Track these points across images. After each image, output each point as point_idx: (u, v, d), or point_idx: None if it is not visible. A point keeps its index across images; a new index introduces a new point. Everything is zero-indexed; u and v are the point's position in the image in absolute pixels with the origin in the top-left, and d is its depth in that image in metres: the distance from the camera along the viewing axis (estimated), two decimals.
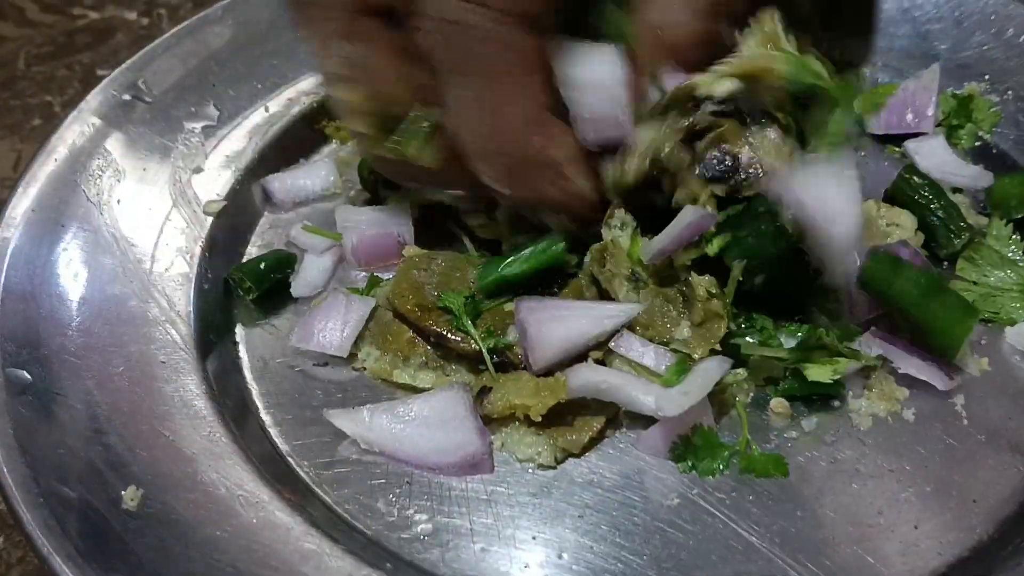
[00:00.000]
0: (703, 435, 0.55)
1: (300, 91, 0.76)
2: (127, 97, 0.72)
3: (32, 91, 0.84)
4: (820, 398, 0.58)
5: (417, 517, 0.54)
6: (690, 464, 0.55)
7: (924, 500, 0.54)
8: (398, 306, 0.60)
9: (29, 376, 0.54)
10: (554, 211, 0.59)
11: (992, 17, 0.78)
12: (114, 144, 0.69)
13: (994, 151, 0.72)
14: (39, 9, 0.93)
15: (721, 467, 0.55)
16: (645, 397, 0.55)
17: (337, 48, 0.57)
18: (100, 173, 0.68)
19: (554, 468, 0.56)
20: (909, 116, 0.74)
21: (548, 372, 0.57)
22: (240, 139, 0.72)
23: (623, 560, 0.52)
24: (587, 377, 0.56)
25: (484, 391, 0.57)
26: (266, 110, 0.74)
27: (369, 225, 0.66)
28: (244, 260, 0.67)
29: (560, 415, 0.56)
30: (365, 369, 0.60)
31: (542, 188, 0.57)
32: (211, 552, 0.49)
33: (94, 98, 0.71)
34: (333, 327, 0.60)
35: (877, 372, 0.58)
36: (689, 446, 0.55)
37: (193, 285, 0.63)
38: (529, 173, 0.56)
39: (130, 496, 0.50)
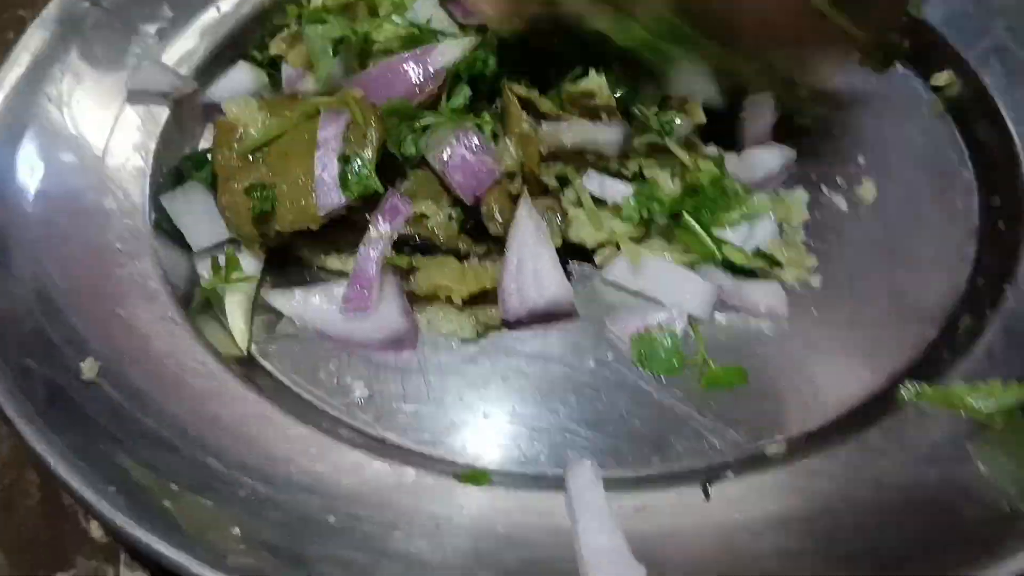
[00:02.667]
0: (672, 340, 0.59)
1: None
2: (85, 4, 0.75)
3: (4, 7, 0.87)
4: None
5: (354, 385, 0.59)
6: (644, 354, 0.59)
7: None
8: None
9: None
10: None
11: None
12: (73, 49, 0.72)
13: None
14: None
15: (676, 367, 0.59)
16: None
17: None
18: (61, 76, 0.71)
19: (476, 342, 0.60)
20: None
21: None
22: (193, 39, 0.75)
23: (543, 416, 0.57)
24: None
25: (411, 271, 0.61)
26: (217, 10, 0.76)
27: None
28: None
29: (483, 294, 0.61)
30: (301, 257, 0.64)
31: None
32: (163, 417, 0.54)
33: (54, 7, 0.74)
34: None
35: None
36: (653, 345, 0.60)
37: (148, 178, 0.66)
38: None
39: (88, 367, 0.55)
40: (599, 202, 0.62)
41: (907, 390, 0.54)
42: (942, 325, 0.59)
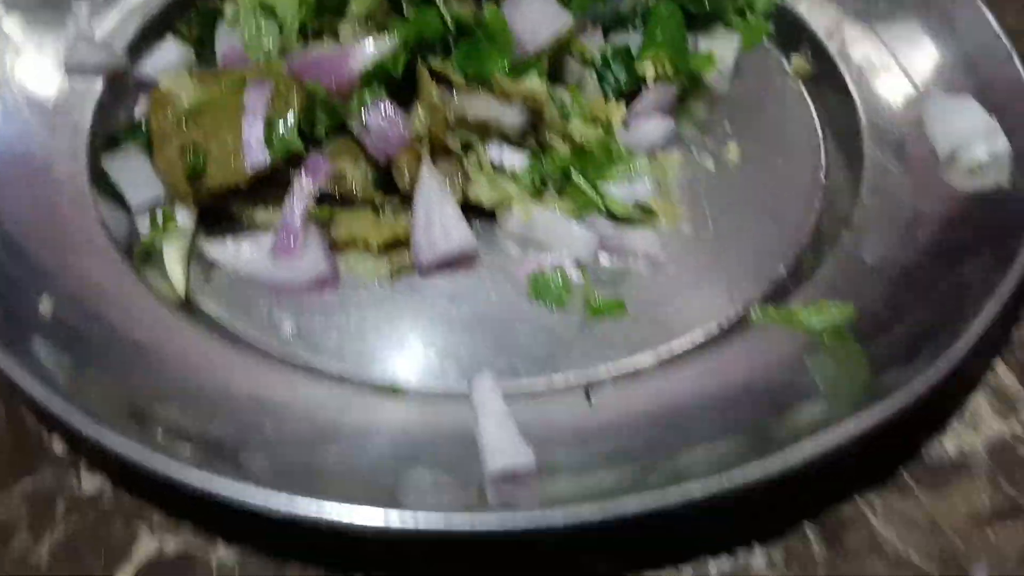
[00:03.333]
0: (562, 278, 0.68)
1: None
2: None
3: None
4: None
5: (284, 323, 0.66)
6: (538, 290, 0.68)
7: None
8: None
9: None
10: None
11: None
12: (11, 25, 0.78)
13: None
14: None
15: (564, 300, 0.67)
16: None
17: None
18: (3, 50, 0.76)
19: (391, 283, 0.68)
20: None
21: None
22: (122, 15, 0.81)
23: (451, 343, 0.65)
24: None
25: (331, 221, 0.69)
26: None
27: None
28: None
29: (396, 241, 0.69)
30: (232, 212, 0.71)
31: None
32: (112, 350, 0.61)
33: None
34: None
35: None
36: (546, 281, 0.68)
37: (87, 144, 0.73)
38: None
39: (44, 304, 0.62)
40: (498, 167, 0.71)
41: (755, 313, 0.64)
42: (790, 262, 0.69)
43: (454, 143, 0.70)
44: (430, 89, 0.70)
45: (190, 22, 0.83)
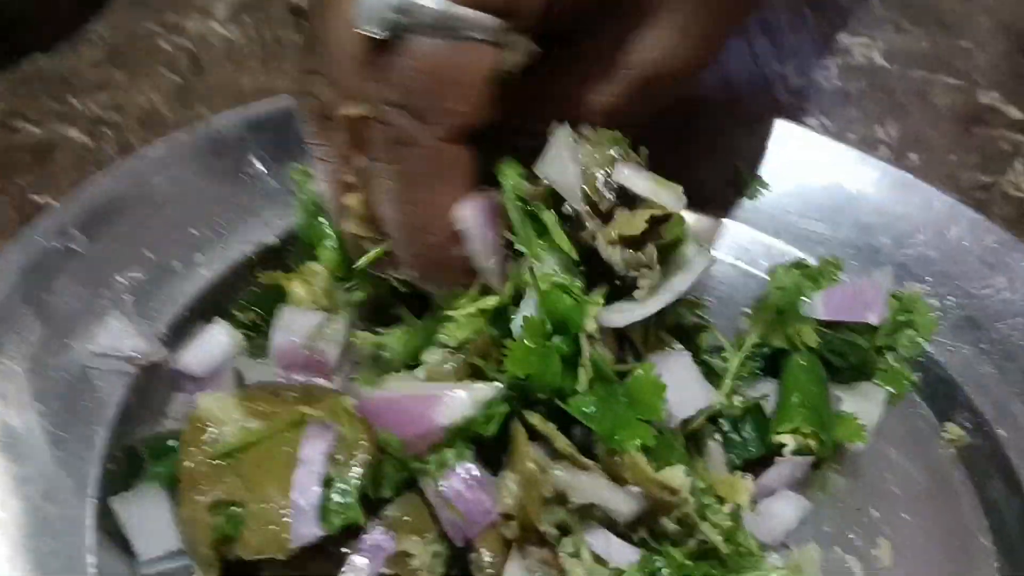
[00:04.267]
0: None
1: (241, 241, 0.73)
2: (55, 244, 0.70)
3: None
4: None
5: None
6: None
7: None
8: None
9: None
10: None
11: (937, 216, 0.78)
12: (32, 299, 0.67)
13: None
14: None
15: None
16: None
17: (351, 159, 0.58)
18: (14, 330, 0.65)
19: None
20: (858, 308, 0.73)
21: None
22: (166, 296, 0.70)
23: None
24: None
25: None
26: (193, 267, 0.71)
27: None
28: None
29: None
30: None
31: (452, 280, 0.59)
32: None
33: (19, 249, 0.68)
34: None
35: None
36: None
37: (100, 460, 0.60)
38: (443, 270, 0.58)
39: None
40: (598, 559, 0.56)
41: None
42: None
43: (549, 526, 0.56)
44: (527, 453, 0.56)
45: (244, 304, 0.71)
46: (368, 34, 0.52)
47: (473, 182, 0.57)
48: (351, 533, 0.55)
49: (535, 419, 0.57)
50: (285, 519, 0.54)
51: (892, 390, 0.70)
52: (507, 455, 0.58)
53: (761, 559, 0.58)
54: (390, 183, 0.56)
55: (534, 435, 0.57)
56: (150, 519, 0.58)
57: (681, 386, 0.57)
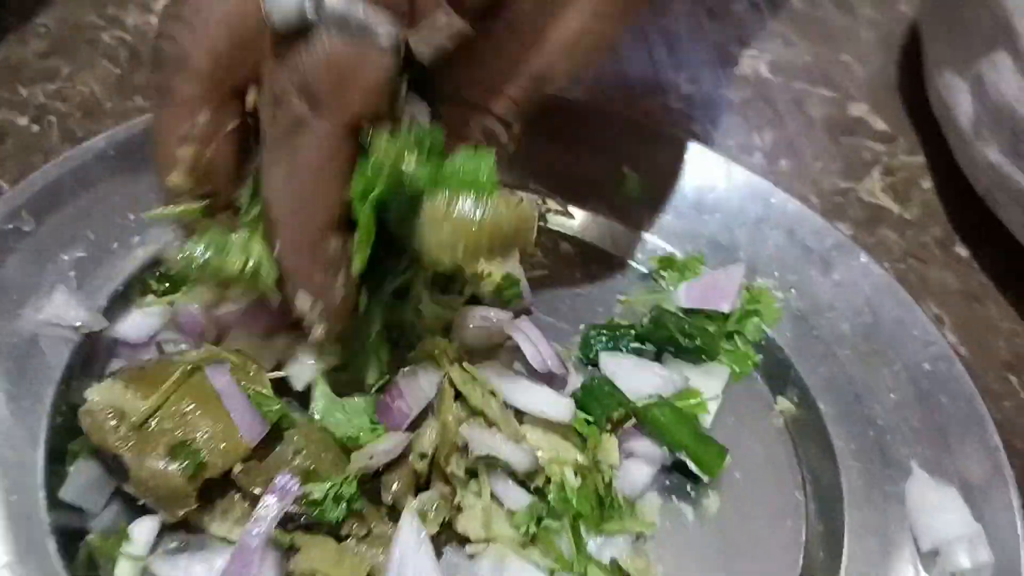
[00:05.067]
0: None
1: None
2: (8, 227, 0.78)
3: None
4: None
5: None
6: None
7: None
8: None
9: None
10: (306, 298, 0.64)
11: (788, 219, 0.90)
12: None
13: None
14: None
15: None
16: None
17: (194, 119, 0.62)
18: None
19: None
20: (714, 297, 0.86)
21: None
22: (106, 275, 0.78)
23: None
24: None
25: (291, 549, 0.65)
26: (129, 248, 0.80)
27: None
28: None
29: None
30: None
31: (317, 279, 0.62)
32: None
33: None
34: None
35: None
36: None
37: (45, 425, 0.69)
38: (314, 261, 0.61)
39: None
40: (496, 500, 0.68)
41: None
42: None
43: (457, 468, 0.67)
44: (449, 408, 0.67)
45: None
46: (278, 25, 0.54)
47: (350, 176, 0.60)
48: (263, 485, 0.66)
49: (461, 381, 0.69)
50: (232, 433, 0.65)
51: (737, 368, 0.82)
52: (434, 406, 0.69)
53: (629, 511, 0.70)
54: (280, 162, 0.59)
55: (458, 395, 0.69)
56: (94, 487, 0.68)
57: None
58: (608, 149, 0.94)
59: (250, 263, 0.64)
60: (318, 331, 0.65)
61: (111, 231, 0.81)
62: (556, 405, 0.71)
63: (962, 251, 1.01)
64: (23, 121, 0.98)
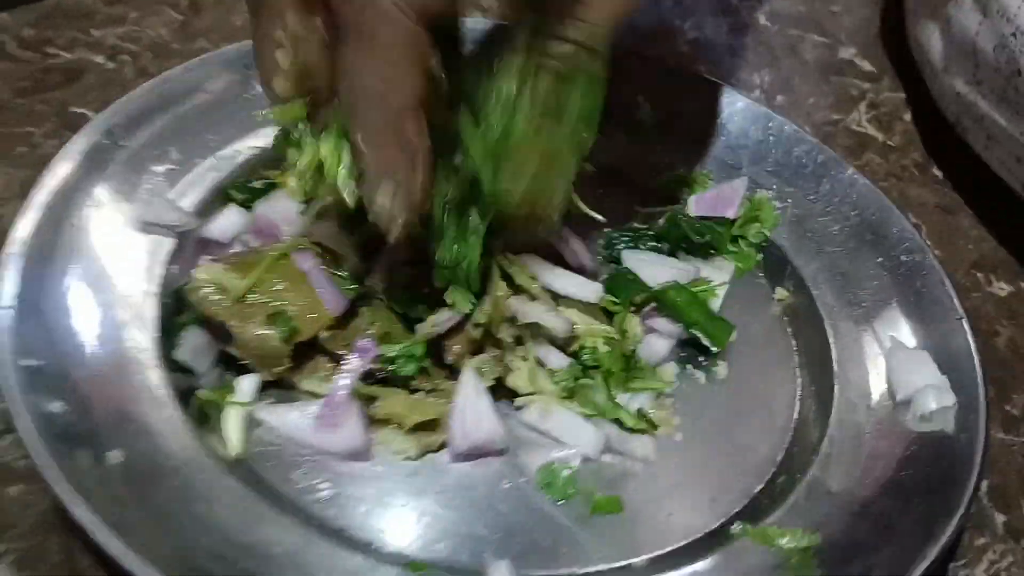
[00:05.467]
0: (569, 473, 0.77)
1: (246, 145, 0.94)
2: (105, 141, 0.90)
3: (15, 121, 1.00)
4: None
5: (320, 486, 0.74)
6: (546, 482, 0.77)
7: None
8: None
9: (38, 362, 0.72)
10: (388, 187, 0.66)
11: (785, 140, 1.02)
12: (93, 181, 0.87)
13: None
14: (17, 45, 1.09)
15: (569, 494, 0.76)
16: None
17: (287, 18, 0.65)
18: (83, 204, 0.85)
19: (417, 460, 0.77)
20: (721, 206, 0.98)
21: None
22: (194, 182, 0.90)
23: (465, 524, 0.74)
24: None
25: (371, 400, 0.78)
26: (215, 159, 0.92)
27: None
28: None
29: (426, 423, 0.78)
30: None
31: (396, 163, 0.65)
32: (169, 504, 0.68)
33: (81, 140, 0.88)
34: None
35: None
36: (554, 475, 0.77)
37: (156, 298, 0.81)
38: (392, 147, 0.64)
39: (113, 456, 0.69)
40: (540, 363, 0.80)
41: (736, 527, 0.74)
42: (766, 480, 0.79)
43: (506, 335, 0.80)
44: (499, 286, 0.79)
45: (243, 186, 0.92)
46: None
47: (427, 63, 0.62)
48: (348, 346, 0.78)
49: (507, 263, 0.81)
50: (318, 305, 0.78)
51: (740, 265, 0.95)
52: (487, 286, 0.81)
53: (652, 372, 0.83)
54: (360, 49, 0.60)
55: (506, 275, 0.81)
56: (201, 351, 0.79)
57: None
58: (625, 83, 1.06)
59: (334, 159, 0.75)
60: (397, 224, 0.69)
61: (194, 149, 0.92)
62: (586, 287, 0.83)
63: (937, 172, 1.13)
64: (100, 59, 1.09)
